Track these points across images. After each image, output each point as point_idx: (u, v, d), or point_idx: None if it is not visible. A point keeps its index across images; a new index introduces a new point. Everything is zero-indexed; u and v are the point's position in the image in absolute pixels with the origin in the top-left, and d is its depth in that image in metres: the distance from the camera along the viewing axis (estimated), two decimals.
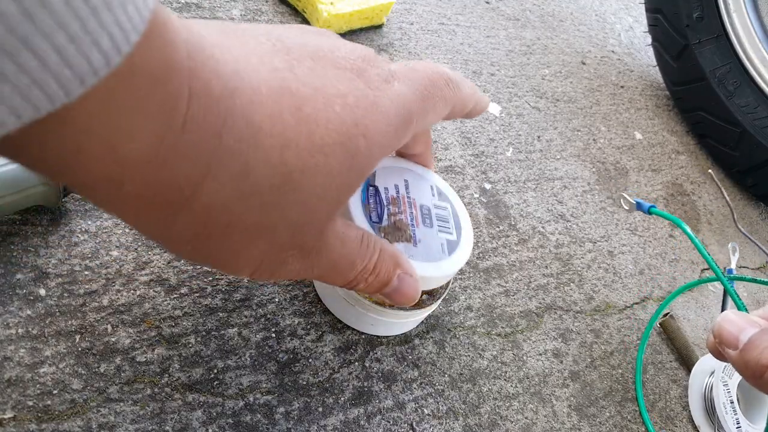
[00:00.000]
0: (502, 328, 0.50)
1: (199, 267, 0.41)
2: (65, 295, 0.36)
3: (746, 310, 0.36)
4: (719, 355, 0.35)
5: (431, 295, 0.41)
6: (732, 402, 0.51)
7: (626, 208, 0.46)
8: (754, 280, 0.52)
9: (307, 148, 0.23)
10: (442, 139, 0.63)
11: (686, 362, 0.57)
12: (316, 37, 0.27)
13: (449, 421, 0.42)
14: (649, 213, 0.46)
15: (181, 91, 0.19)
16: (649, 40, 0.94)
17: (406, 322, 0.42)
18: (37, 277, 0.36)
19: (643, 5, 0.93)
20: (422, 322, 0.46)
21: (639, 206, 0.47)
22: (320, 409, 0.38)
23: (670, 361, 0.56)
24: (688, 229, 0.38)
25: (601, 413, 0.48)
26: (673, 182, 0.80)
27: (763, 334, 0.30)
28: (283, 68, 0.23)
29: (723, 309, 0.58)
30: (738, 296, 0.39)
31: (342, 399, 0.40)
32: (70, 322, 0.35)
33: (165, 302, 0.39)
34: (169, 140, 0.19)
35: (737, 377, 0.52)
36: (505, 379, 0.46)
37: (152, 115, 0.18)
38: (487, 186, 0.61)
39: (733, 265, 0.59)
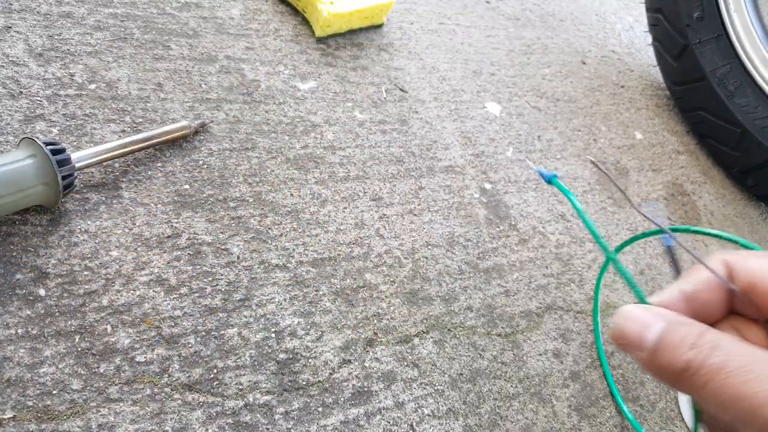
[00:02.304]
0: (503, 328, 0.50)
1: (198, 267, 0.41)
2: (65, 295, 0.36)
3: (642, 297, 0.31)
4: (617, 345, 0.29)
5: None
6: None
7: (533, 167, 0.41)
8: (696, 231, 0.47)
9: None
10: (442, 139, 0.63)
11: None
12: None
13: (449, 422, 0.42)
14: (550, 183, 0.42)
15: None
16: (650, 39, 0.93)
17: None
18: (37, 277, 0.36)
19: (644, 5, 0.93)
20: (422, 321, 0.46)
21: (540, 175, 0.42)
22: (320, 409, 0.38)
23: None
24: (578, 203, 0.35)
25: (601, 413, 0.48)
26: (674, 182, 0.80)
27: (674, 328, 0.25)
28: None
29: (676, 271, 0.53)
30: (633, 280, 0.33)
31: (342, 399, 0.39)
32: (69, 323, 0.35)
33: (165, 302, 0.39)
34: None
35: None
36: (505, 380, 0.46)
37: None
38: (487, 186, 0.61)
39: (663, 224, 0.49)
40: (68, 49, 0.48)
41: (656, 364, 0.25)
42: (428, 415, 0.41)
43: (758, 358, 0.22)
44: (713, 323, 0.28)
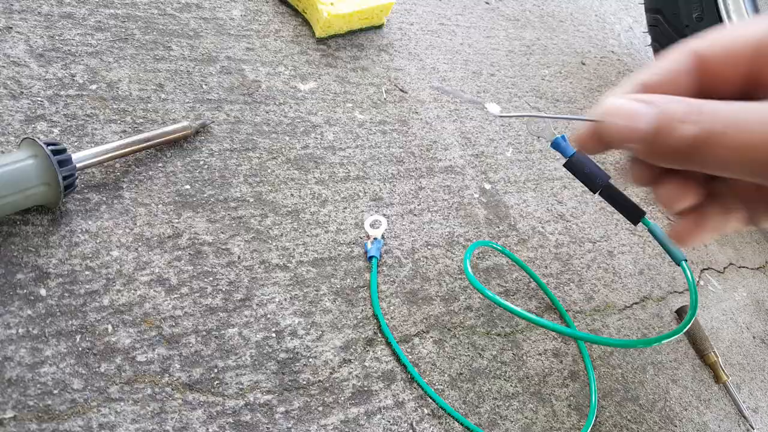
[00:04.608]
0: (502, 327, 0.50)
1: (199, 267, 0.41)
2: (66, 295, 0.36)
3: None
4: (595, 145, 0.27)
5: None
6: None
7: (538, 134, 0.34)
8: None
9: None
10: (442, 139, 0.63)
11: (700, 353, 0.57)
12: None
13: (449, 421, 0.42)
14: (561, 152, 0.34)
15: None
16: (649, 40, 0.94)
17: None
18: (38, 277, 0.36)
19: (643, 6, 0.93)
20: (422, 321, 0.46)
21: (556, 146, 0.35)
22: (320, 409, 0.39)
23: (670, 362, 0.56)
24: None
25: (600, 413, 0.48)
26: None
27: (669, 110, 0.24)
28: None
29: None
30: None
31: (342, 398, 0.40)
32: (70, 322, 0.35)
33: (165, 302, 0.39)
34: None
35: None
36: (504, 379, 0.46)
37: None
38: (487, 186, 0.61)
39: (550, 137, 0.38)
40: (69, 50, 0.48)
41: (659, 150, 0.25)
42: (428, 414, 0.41)
43: (748, 108, 0.23)
44: None
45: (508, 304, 0.35)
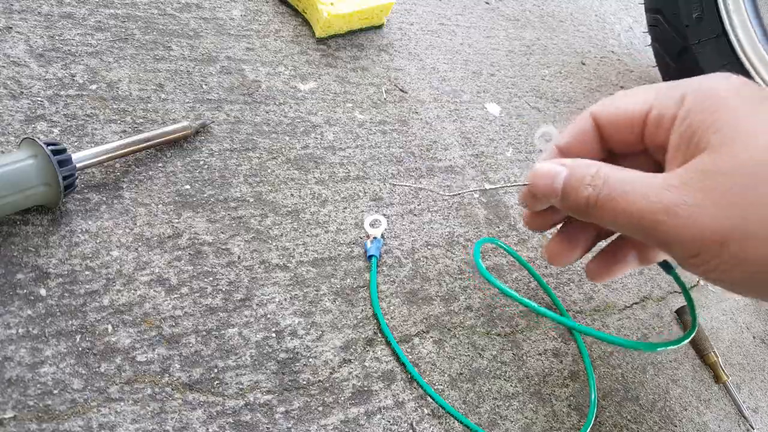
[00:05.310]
0: (502, 327, 0.50)
1: (199, 267, 0.41)
2: (66, 295, 0.36)
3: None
4: (533, 202, 0.33)
5: None
6: None
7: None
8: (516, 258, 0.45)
9: None
10: (442, 140, 0.63)
11: (700, 353, 0.57)
12: None
13: (449, 421, 0.42)
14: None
15: None
16: (649, 40, 0.94)
17: None
18: (38, 277, 0.36)
19: (643, 5, 0.93)
20: (422, 321, 0.46)
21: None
22: (320, 409, 0.39)
23: (670, 361, 0.56)
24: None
25: (601, 413, 0.48)
26: None
27: (573, 172, 0.29)
28: None
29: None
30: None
31: (342, 398, 0.40)
32: (70, 322, 0.35)
33: (165, 302, 0.39)
34: None
35: None
36: (504, 379, 0.46)
37: None
38: (487, 186, 0.61)
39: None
40: (69, 50, 0.48)
41: (567, 205, 0.30)
42: (428, 414, 0.41)
43: (632, 178, 0.26)
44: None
45: (532, 302, 0.37)
